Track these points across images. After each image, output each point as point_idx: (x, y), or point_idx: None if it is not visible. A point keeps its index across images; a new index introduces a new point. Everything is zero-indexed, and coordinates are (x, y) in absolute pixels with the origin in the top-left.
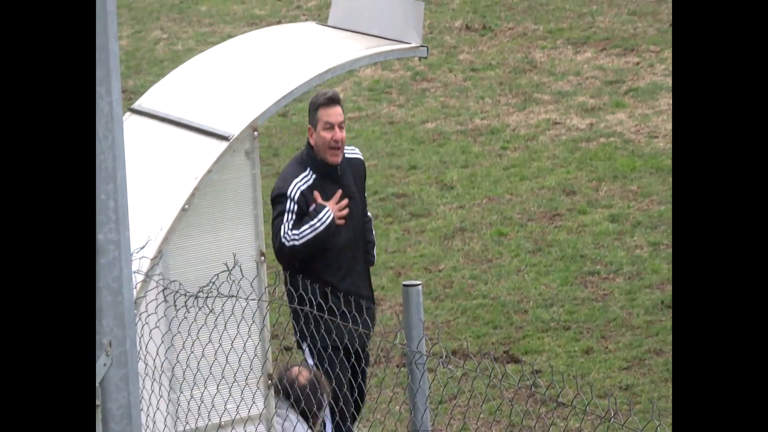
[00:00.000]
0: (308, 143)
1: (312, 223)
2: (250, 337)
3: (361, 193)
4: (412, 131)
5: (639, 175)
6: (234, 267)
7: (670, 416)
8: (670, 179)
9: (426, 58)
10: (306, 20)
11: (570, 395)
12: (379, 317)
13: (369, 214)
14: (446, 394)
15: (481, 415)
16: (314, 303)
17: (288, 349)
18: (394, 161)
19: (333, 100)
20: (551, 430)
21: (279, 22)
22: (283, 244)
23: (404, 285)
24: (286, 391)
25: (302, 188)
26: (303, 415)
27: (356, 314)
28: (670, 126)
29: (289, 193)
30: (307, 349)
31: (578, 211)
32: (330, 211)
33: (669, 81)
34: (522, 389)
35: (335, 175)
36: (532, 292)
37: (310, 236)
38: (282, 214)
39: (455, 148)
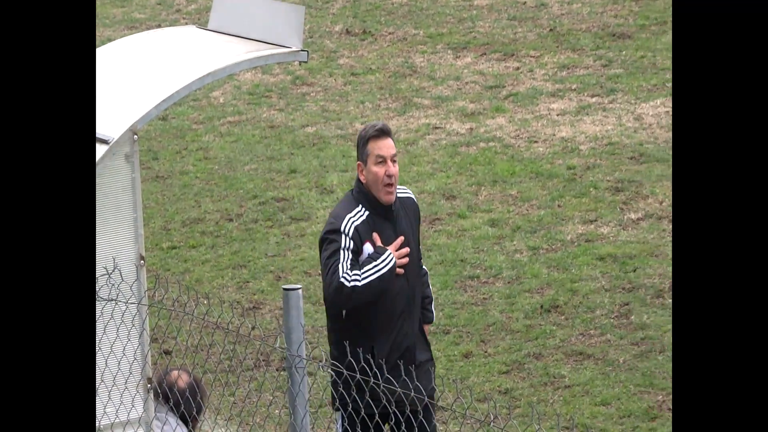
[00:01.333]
0: (358, 180)
1: (376, 263)
2: (129, 340)
3: (416, 237)
4: (292, 135)
5: (519, 179)
6: (113, 270)
7: (550, 420)
8: (550, 184)
9: (306, 62)
10: (186, 24)
11: (449, 399)
12: (259, 321)
13: (424, 267)
14: (326, 397)
15: None
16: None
17: (167, 352)
18: (274, 165)
19: (384, 132)
20: None
21: (159, 26)
22: (343, 284)
23: (284, 289)
24: (165, 394)
25: (356, 223)
26: (183, 418)
27: (409, 373)
28: (549, 131)
29: (343, 228)
30: (339, 415)
31: (458, 216)
32: (392, 253)
33: (549, 86)
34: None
35: (389, 213)
36: None
37: (373, 277)
38: (337, 252)
39: (335, 152)
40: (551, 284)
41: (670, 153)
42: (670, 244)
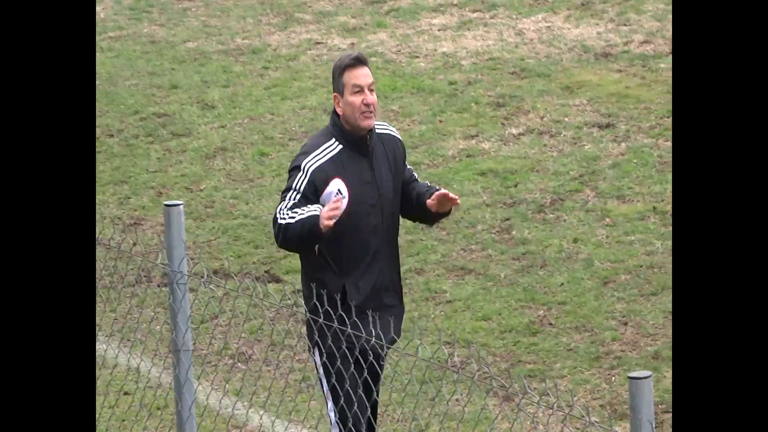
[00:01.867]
0: (334, 113)
1: (310, 208)
2: None
3: (396, 174)
4: (173, 51)
5: (400, 95)
6: None
7: (431, 335)
8: (431, 99)
9: None
10: None
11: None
12: (140, 237)
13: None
14: (208, 313)
15: (243, 335)
16: (328, 305)
17: None
18: (155, 81)
19: (360, 61)
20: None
21: None
22: (276, 219)
23: (166, 205)
24: None
25: (321, 161)
26: None
27: (378, 315)
28: (430, 46)
29: (303, 165)
30: (316, 353)
31: None
32: (317, 211)
33: (430, 1)
34: (283, 308)
35: (365, 148)
36: None
37: (296, 219)
38: (289, 190)
39: (217, 67)
40: None
41: (551, 68)
42: (551, 159)
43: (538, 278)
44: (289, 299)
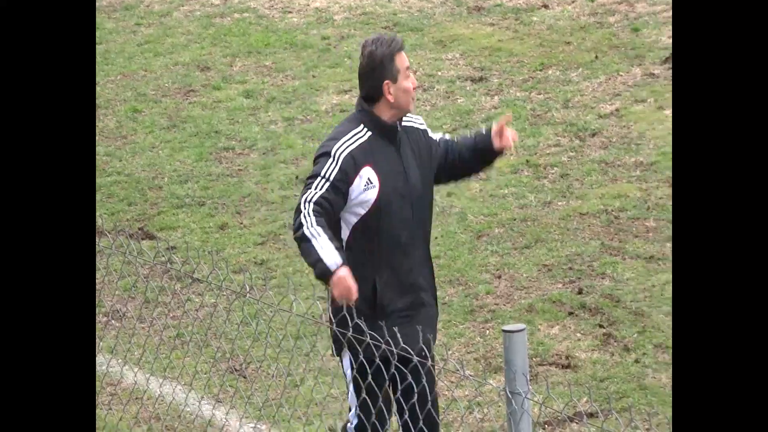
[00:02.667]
0: (363, 99)
1: (322, 250)
2: None
3: (422, 164)
4: None
5: (273, 50)
6: None
7: (305, 290)
8: (305, 54)
9: None
10: None
11: (205, 271)
12: None
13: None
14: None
15: (117, 292)
16: (360, 305)
17: None
18: None
19: (402, 44)
20: (187, 305)
21: None
22: (300, 210)
23: None
24: None
25: (351, 148)
26: None
27: (412, 315)
28: (303, 1)
29: (333, 152)
30: (347, 361)
31: (212, 87)
32: (338, 260)
33: None
34: (157, 266)
35: (392, 135)
36: (167, 169)
37: (317, 241)
38: (317, 176)
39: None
40: (306, 155)
41: (424, 22)
42: (425, 113)
43: None
44: (163, 256)
